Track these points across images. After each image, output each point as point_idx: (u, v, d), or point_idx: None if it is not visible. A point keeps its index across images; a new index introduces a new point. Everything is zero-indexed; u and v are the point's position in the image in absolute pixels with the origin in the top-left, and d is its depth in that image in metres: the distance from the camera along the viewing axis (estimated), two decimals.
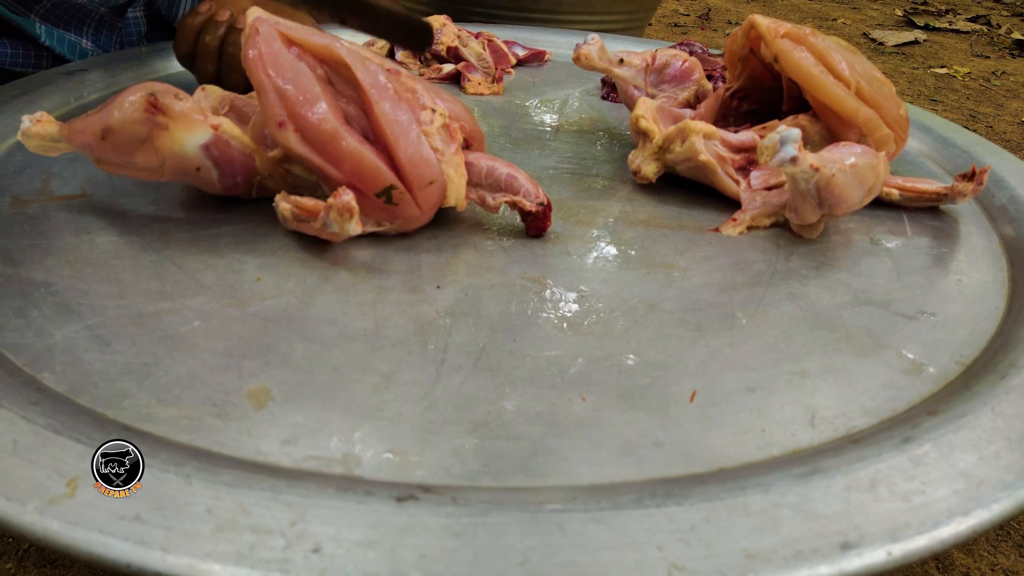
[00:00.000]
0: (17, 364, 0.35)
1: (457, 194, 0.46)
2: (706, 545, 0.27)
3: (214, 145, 0.45)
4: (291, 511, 0.27)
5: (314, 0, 0.60)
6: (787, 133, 0.44)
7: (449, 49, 0.81)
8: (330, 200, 0.42)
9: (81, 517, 0.26)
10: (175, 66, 0.75)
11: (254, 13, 0.45)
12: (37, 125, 0.46)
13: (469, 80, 0.77)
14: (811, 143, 0.56)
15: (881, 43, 2.47)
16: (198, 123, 0.44)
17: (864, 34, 2.58)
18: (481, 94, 0.77)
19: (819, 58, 0.54)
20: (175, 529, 0.26)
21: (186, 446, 0.31)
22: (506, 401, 0.35)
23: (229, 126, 0.45)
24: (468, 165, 0.48)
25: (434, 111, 0.45)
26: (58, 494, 0.27)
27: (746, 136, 0.55)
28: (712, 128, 0.54)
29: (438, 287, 0.43)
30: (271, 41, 0.44)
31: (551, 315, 0.42)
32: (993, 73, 2.21)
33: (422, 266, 0.45)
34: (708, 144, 0.54)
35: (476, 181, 0.48)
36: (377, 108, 0.44)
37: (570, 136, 0.68)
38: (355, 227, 0.42)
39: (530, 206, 0.47)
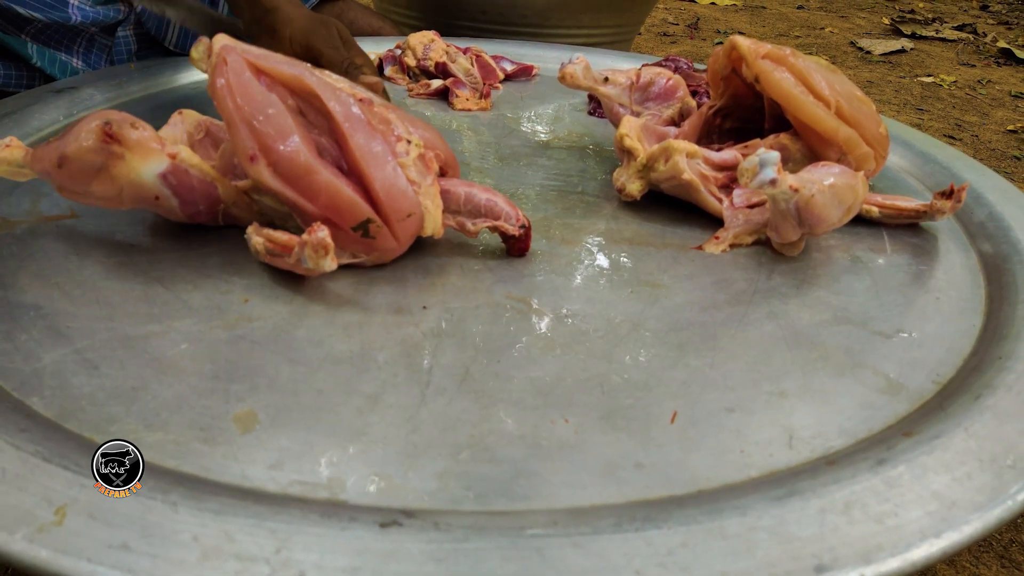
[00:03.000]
0: (6, 389, 0.36)
1: (434, 224, 0.46)
2: (683, 569, 0.27)
3: (172, 174, 0.44)
4: (275, 538, 0.28)
5: None
6: (766, 156, 0.44)
7: (437, 65, 0.82)
8: (304, 236, 0.41)
9: (69, 545, 0.27)
10: (163, 83, 0.75)
11: (221, 41, 0.44)
12: (4, 150, 0.46)
13: (457, 96, 0.78)
14: (792, 161, 0.57)
15: (868, 52, 2.49)
16: (154, 152, 0.43)
17: (851, 43, 2.60)
18: (469, 110, 0.77)
19: (799, 78, 0.55)
20: (161, 557, 0.27)
21: (173, 471, 0.32)
22: (490, 423, 0.36)
23: (188, 154, 0.44)
24: (446, 193, 0.48)
25: (409, 142, 0.45)
26: (47, 522, 0.28)
27: (728, 155, 0.56)
28: (695, 147, 0.55)
29: (424, 307, 0.44)
30: (240, 71, 0.43)
31: (535, 335, 0.43)
32: (979, 82, 2.23)
33: (408, 287, 0.46)
34: (691, 163, 0.55)
35: (455, 208, 0.48)
36: (351, 141, 0.43)
37: (557, 152, 0.68)
38: (330, 263, 0.41)
39: (513, 230, 0.48)
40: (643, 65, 0.68)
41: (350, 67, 0.64)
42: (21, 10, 0.70)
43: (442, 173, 0.50)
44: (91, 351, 0.39)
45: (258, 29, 0.67)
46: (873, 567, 0.28)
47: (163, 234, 0.49)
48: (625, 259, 0.51)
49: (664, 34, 2.56)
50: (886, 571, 0.28)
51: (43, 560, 0.26)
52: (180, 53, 0.83)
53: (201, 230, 0.50)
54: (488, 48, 0.90)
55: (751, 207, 0.54)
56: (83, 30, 0.76)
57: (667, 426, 0.36)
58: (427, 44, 0.84)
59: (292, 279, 0.46)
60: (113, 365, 0.38)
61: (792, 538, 0.29)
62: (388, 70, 0.85)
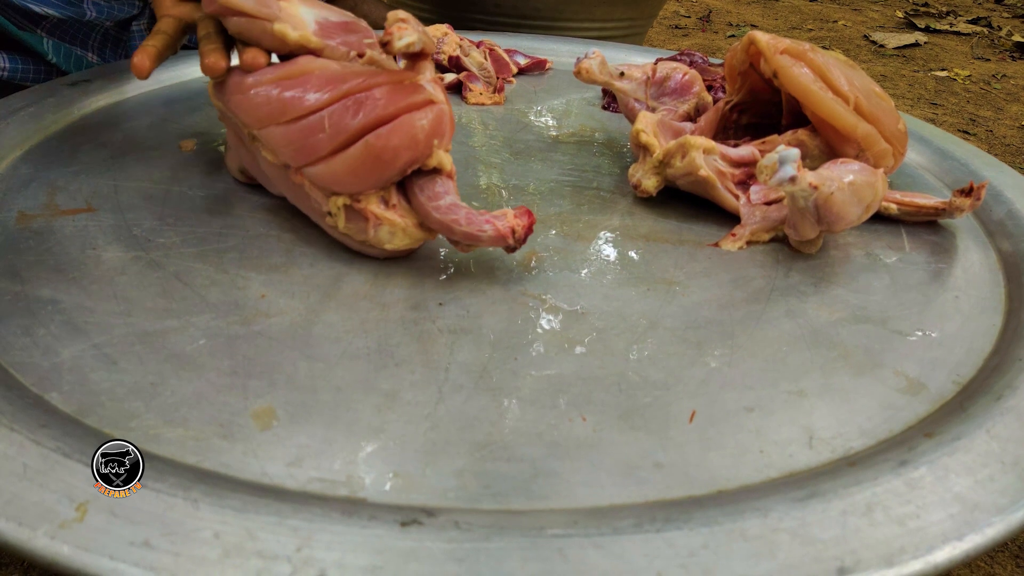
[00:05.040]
0: (25, 384, 0.36)
1: (404, 241, 0.46)
2: (705, 571, 0.27)
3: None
4: (297, 536, 0.28)
5: None
6: (786, 153, 0.44)
7: (451, 59, 0.82)
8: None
9: (91, 542, 0.27)
10: (178, 76, 0.75)
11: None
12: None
13: (471, 90, 0.78)
14: (810, 157, 0.56)
15: (882, 45, 2.47)
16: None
17: (865, 36, 2.58)
18: (482, 104, 0.77)
19: (818, 74, 0.54)
20: (183, 555, 0.27)
21: (193, 468, 0.32)
22: (507, 421, 0.36)
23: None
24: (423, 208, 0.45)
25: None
26: (68, 518, 0.28)
27: (745, 151, 0.56)
28: (712, 143, 0.55)
29: (440, 304, 0.44)
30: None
31: (551, 332, 0.42)
32: (994, 76, 2.21)
33: (424, 283, 0.46)
34: (708, 159, 0.54)
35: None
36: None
37: (571, 147, 0.68)
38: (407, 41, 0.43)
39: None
40: (658, 60, 0.68)
41: None
42: (36, 7, 0.70)
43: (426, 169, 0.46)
44: (109, 346, 0.39)
45: None
46: (895, 570, 0.28)
47: (180, 228, 0.49)
48: (641, 256, 0.51)
49: (676, 27, 2.55)
50: (908, 574, 0.28)
51: (65, 557, 0.27)
52: (192, 47, 0.83)
53: (217, 224, 0.50)
54: (501, 42, 0.89)
55: (768, 204, 0.54)
56: (98, 25, 0.76)
57: (686, 425, 0.36)
58: (440, 38, 0.84)
59: (308, 275, 0.46)
60: (131, 360, 0.38)
61: (814, 540, 0.29)
62: (401, 64, 0.85)
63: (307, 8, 0.49)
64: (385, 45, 0.42)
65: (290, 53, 0.48)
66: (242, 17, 0.47)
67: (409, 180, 0.46)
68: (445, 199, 0.45)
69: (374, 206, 0.45)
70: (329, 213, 0.46)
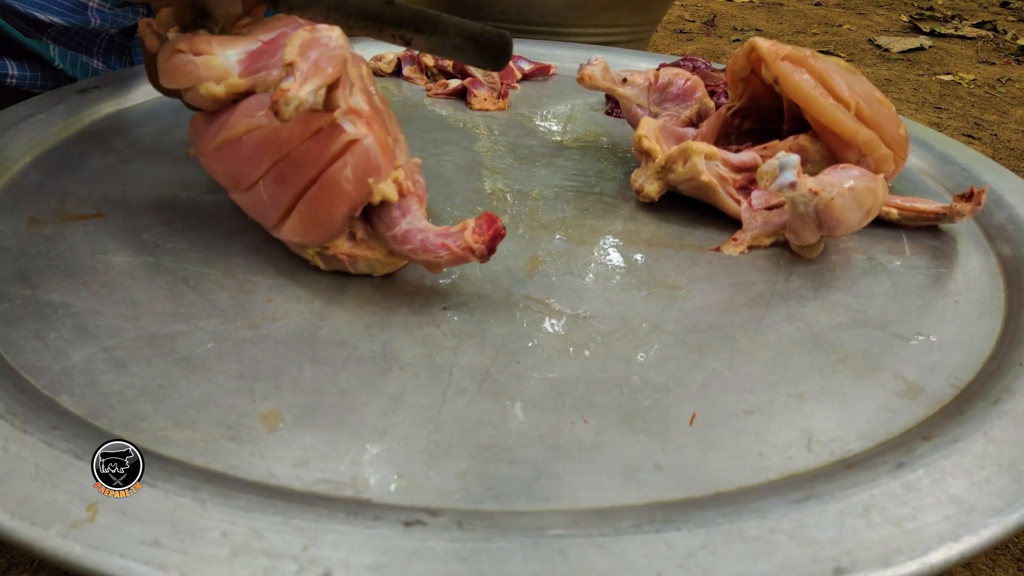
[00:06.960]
0: (37, 387, 0.36)
1: (386, 268, 0.46)
2: (703, 571, 0.28)
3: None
4: (303, 536, 0.28)
5: (374, 18, 0.54)
6: (786, 159, 0.45)
7: (455, 64, 0.83)
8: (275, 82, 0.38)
9: (102, 541, 0.27)
10: None
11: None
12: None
13: (475, 96, 0.78)
14: (811, 162, 0.57)
15: (887, 49, 2.47)
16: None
17: (870, 40, 2.58)
18: (487, 110, 0.78)
19: (819, 80, 0.55)
20: (192, 553, 0.27)
21: (201, 469, 0.32)
22: (510, 424, 0.36)
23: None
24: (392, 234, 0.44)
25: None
26: (80, 518, 0.28)
27: (747, 156, 0.56)
28: (713, 149, 0.55)
29: (444, 308, 0.44)
30: None
31: (554, 336, 0.43)
32: (999, 80, 2.21)
33: (427, 287, 0.46)
34: (710, 164, 0.55)
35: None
36: None
37: (574, 153, 0.69)
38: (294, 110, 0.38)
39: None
40: (661, 65, 0.69)
41: None
42: (41, 15, 0.71)
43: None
44: (119, 350, 0.39)
45: None
46: (892, 570, 0.28)
47: (189, 234, 0.50)
48: (643, 260, 0.52)
49: (680, 31, 2.55)
50: (904, 574, 0.28)
51: (77, 556, 0.27)
52: None
53: (224, 229, 0.50)
54: None
55: (769, 209, 0.55)
56: (103, 32, 0.77)
57: (686, 428, 0.37)
58: None
59: (314, 280, 0.46)
60: (141, 364, 0.38)
61: (811, 541, 0.29)
62: (406, 70, 0.86)
63: (228, 49, 0.45)
64: (276, 115, 0.37)
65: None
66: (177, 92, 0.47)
67: (369, 212, 0.44)
68: (400, 226, 0.43)
69: (342, 248, 0.45)
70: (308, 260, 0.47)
